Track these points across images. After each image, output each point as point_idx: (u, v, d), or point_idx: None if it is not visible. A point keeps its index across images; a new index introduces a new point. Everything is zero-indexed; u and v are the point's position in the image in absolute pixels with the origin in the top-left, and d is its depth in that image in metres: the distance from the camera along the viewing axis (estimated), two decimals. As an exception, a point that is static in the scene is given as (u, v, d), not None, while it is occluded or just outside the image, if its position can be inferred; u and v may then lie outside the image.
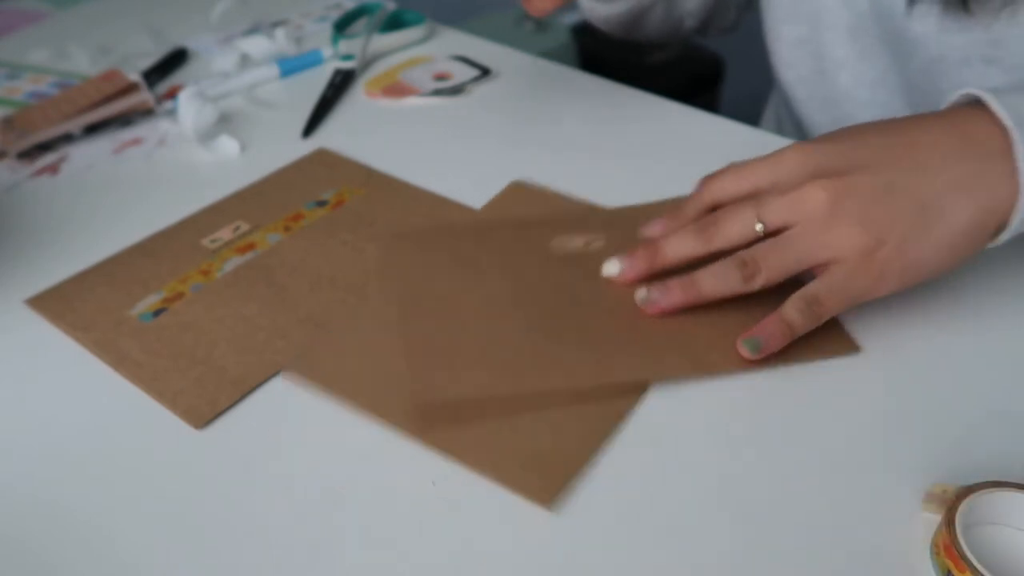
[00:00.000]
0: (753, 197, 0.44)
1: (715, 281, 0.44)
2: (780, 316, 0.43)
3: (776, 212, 0.43)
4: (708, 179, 0.48)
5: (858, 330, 0.46)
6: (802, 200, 0.43)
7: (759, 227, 0.43)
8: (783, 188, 0.43)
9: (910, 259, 0.42)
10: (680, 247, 0.46)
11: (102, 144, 0.67)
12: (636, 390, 0.43)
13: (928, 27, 0.57)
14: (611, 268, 0.48)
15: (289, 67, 0.76)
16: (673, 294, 0.45)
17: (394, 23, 0.80)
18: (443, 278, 0.50)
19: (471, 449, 0.40)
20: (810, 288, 0.44)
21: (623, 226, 0.52)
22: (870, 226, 0.42)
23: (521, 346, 0.44)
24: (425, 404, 0.42)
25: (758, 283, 0.43)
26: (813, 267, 0.44)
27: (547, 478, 0.38)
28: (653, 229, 0.49)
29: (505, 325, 0.46)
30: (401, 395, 0.42)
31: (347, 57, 0.76)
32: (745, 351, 0.43)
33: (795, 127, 0.76)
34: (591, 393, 0.42)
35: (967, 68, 0.57)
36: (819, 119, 0.71)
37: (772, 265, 0.43)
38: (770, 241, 0.43)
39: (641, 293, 0.46)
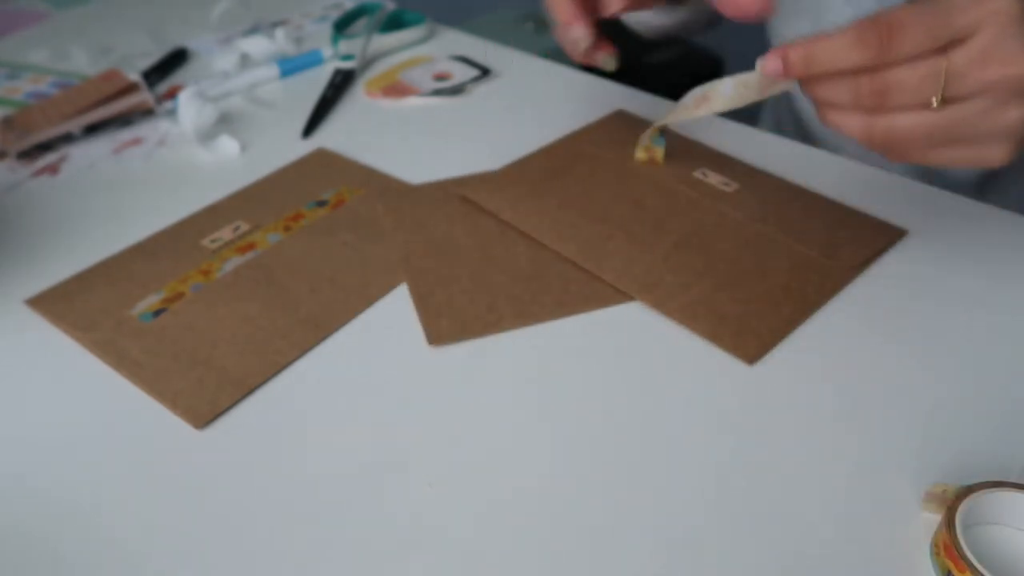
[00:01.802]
0: (936, 54, 0.38)
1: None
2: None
3: (965, 85, 0.38)
4: (893, 31, 0.38)
5: (857, 328, 0.46)
6: (1000, 67, 0.37)
7: (934, 103, 0.38)
8: (981, 42, 0.37)
9: None
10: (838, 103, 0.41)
11: (102, 144, 0.67)
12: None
13: None
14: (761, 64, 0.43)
15: (289, 67, 0.76)
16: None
17: (394, 23, 0.80)
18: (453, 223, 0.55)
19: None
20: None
21: None
22: None
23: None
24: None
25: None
26: None
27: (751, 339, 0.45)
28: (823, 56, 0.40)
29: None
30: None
31: (347, 57, 0.76)
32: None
33: (795, 126, 0.76)
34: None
35: None
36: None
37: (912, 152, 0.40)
38: (932, 124, 0.39)
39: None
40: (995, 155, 0.40)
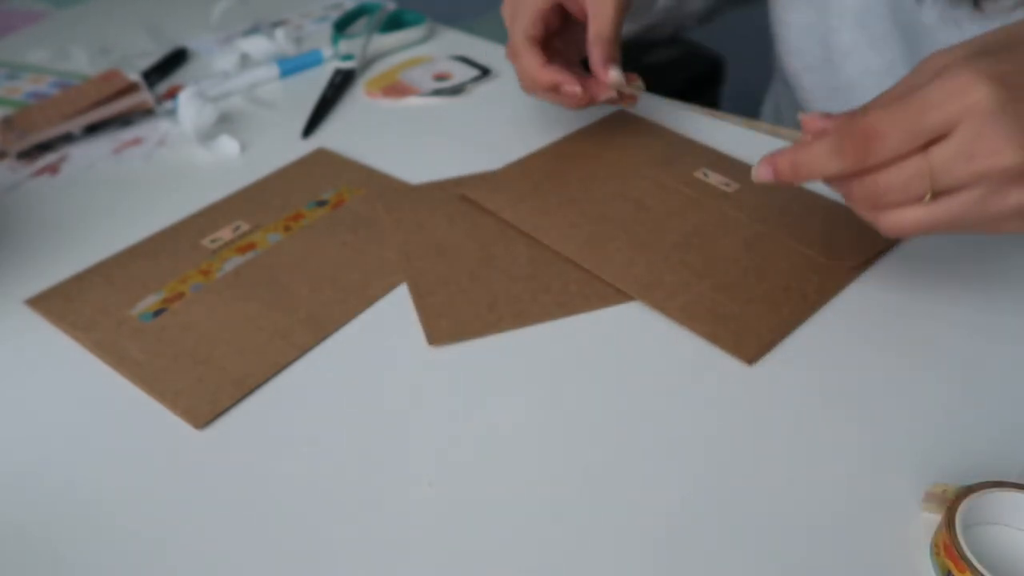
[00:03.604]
0: (918, 152, 0.37)
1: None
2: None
3: (954, 179, 0.37)
4: (869, 140, 0.38)
5: (857, 328, 0.46)
6: (985, 159, 0.36)
7: (926, 199, 0.38)
8: (962, 139, 0.36)
9: None
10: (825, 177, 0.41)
11: (102, 144, 0.67)
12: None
13: (939, 16, 0.57)
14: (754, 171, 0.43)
15: (289, 67, 0.76)
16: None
17: (394, 23, 0.80)
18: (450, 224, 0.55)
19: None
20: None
21: None
22: None
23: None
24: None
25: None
26: None
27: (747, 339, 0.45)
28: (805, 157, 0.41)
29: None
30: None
31: (347, 57, 0.76)
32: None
33: (797, 120, 0.76)
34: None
35: None
36: (825, 108, 0.71)
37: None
38: (932, 216, 0.38)
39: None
40: (1012, 229, 0.39)
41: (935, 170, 0.37)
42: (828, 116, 0.43)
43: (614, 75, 0.56)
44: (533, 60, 0.56)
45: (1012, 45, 0.38)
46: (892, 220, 0.40)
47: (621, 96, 0.57)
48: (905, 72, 0.63)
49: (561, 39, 0.60)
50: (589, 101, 0.57)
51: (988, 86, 0.36)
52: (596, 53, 0.56)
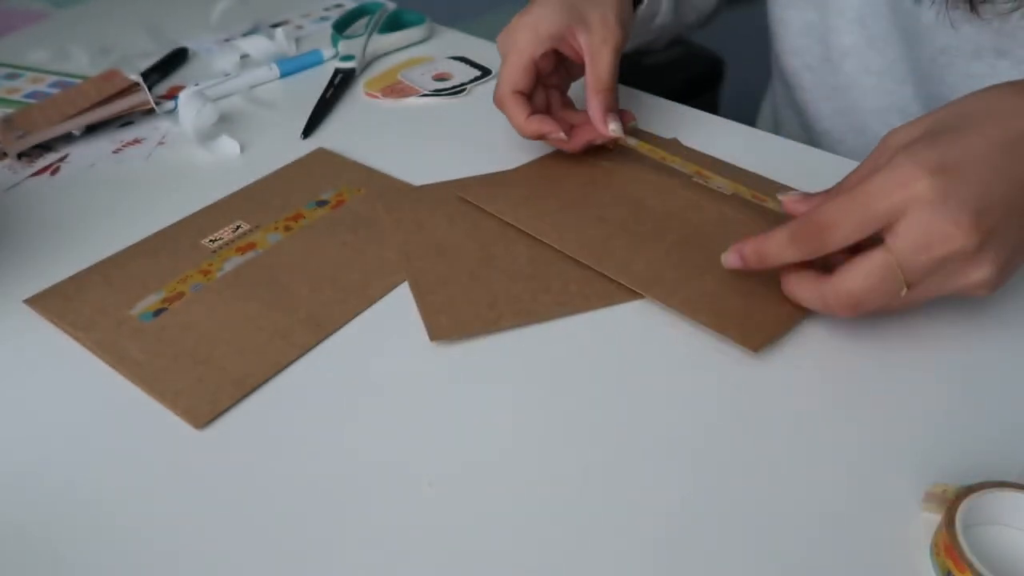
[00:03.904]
0: (885, 246, 0.40)
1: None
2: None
3: (922, 267, 0.40)
4: (822, 229, 0.41)
5: (857, 329, 0.46)
6: (941, 246, 0.39)
7: (903, 293, 0.41)
8: (915, 230, 0.39)
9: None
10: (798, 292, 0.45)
11: (102, 144, 0.67)
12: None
13: (937, 17, 0.57)
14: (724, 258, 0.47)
15: (289, 67, 0.76)
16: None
17: (394, 23, 0.80)
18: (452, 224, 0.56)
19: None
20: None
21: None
22: (1005, 263, 0.40)
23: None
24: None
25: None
26: None
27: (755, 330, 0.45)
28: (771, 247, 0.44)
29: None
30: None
31: (347, 57, 0.76)
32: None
33: (796, 117, 0.76)
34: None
35: (977, 60, 0.58)
36: (824, 107, 0.71)
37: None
38: (910, 302, 0.42)
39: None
40: (982, 295, 0.42)
41: (902, 265, 0.40)
42: (807, 198, 0.46)
43: (614, 127, 0.57)
44: (518, 114, 0.57)
45: (961, 126, 0.40)
46: (874, 310, 0.43)
47: (616, 141, 0.58)
48: (904, 70, 0.63)
49: (557, 75, 0.60)
50: (583, 145, 0.58)
51: (928, 178, 0.38)
52: (595, 104, 0.57)
